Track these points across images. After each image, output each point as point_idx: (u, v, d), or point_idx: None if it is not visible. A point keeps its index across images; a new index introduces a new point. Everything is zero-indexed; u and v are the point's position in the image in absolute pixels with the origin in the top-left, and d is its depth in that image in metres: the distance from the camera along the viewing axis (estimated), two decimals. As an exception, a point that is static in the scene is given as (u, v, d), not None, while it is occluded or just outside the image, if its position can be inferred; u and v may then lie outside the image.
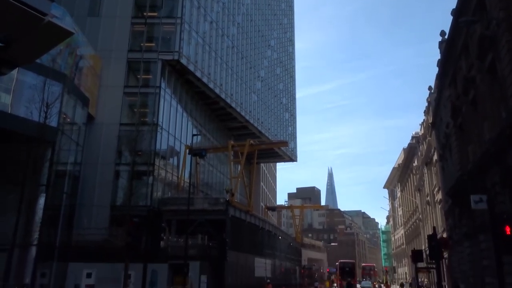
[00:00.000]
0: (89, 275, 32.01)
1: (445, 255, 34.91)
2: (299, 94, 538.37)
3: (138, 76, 42.24)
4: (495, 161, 19.16)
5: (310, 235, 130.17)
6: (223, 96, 51.02)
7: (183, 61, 42.03)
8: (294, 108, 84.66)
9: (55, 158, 30.48)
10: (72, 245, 33.42)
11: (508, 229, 10.38)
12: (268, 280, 33.60)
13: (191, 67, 43.65)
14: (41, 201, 28.85)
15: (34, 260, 28.06)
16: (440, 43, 31.10)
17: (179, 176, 44.43)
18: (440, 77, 32.50)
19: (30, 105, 27.39)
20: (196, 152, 42.08)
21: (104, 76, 40.40)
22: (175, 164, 44.90)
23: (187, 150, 44.24)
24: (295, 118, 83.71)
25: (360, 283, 65.23)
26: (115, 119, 39.23)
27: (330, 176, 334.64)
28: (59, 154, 31.47)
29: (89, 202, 36.54)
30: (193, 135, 44.16)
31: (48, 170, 29.32)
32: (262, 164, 75.45)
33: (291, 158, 75.54)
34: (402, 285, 56.21)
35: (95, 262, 31.96)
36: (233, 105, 53.88)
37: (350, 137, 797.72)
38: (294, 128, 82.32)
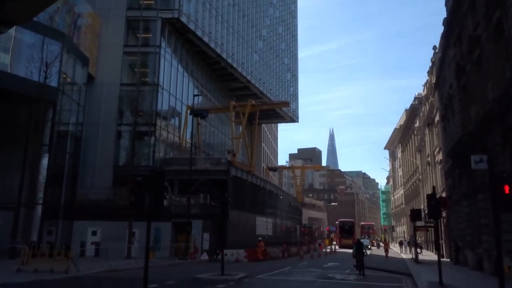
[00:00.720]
0: (94, 233, 32.84)
1: (443, 214, 35.53)
2: (301, 54, 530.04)
3: (138, 35, 41.52)
4: (497, 121, 19.13)
5: (310, 195, 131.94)
6: (224, 55, 50.33)
7: (183, 19, 41.17)
8: (296, 68, 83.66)
9: (57, 118, 30.55)
10: (77, 204, 34.08)
11: (507, 188, 10.51)
12: (260, 238, 34.21)
13: (191, 26, 42.82)
14: (45, 161, 29.19)
15: (40, 218, 28.71)
16: (447, 1, 30.31)
17: (181, 137, 44.58)
18: (445, 36, 31.91)
19: (30, 64, 27.16)
20: (198, 113, 41.96)
21: (103, 35, 39.73)
22: (177, 124, 44.92)
23: (188, 111, 44.13)
24: (297, 78, 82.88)
25: None
26: (116, 79, 38.90)
27: (332, 137, 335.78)
28: (61, 115, 31.49)
29: (92, 162, 36.87)
30: (194, 95, 43.90)
31: (50, 130, 29.45)
32: (263, 125, 75.48)
33: (293, 118, 75.40)
34: (401, 243, 57.58)
35: (100, 221, 32.70)
36: (235, 65, 53.23)
37: (352, 97, 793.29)
38: (296, 88, 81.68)
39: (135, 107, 33.12)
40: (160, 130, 40.04)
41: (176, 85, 43.76)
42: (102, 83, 38.75)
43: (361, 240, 26.60)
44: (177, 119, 45.09)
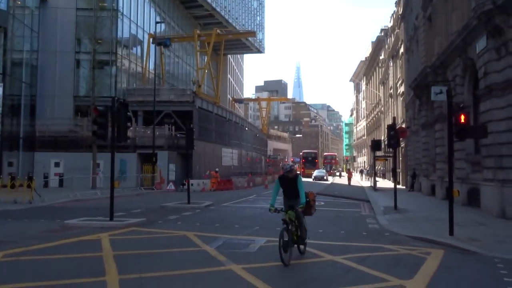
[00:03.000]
0: (57, 164, 32.38)
1: (402, 144, 36.99)
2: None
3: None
4: (458, 54, 19.48)
5: (276, 127, 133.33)
6: (187, -21, 47.74)
7: None
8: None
9: (9, 45, 28.76)
10: (37, 135, 33.18)
11: (463, 117, 10.94)
12: (217, 169, 34.28)
13: None
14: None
15: (-1, 150, 27.93)
16: None
17: (144, 67, 43.17)
18: (414, -35, 31.26)
19: (-27, -16, 24.94)
20: (160, 41, 40.43)
21: (54, -47, 36.52)
22: (139, 54, 43.26)
23: (151, 39, 42.41)
24: (263, 7, 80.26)
25: None
26: (71, 3, 36.40)
27: (298, 69, 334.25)
28: (13, 41, 29.64)
29: (50, 93, 35.44)
30: (156, 22, 42.02)
31: (2, 57, 27.82)
32: (229, 56, 73.88)
33: (259, 49, 73.97)
34: (362, 171, 60.42)
35: (63, 152, 32.16)
36: (198, -10, 50.76)
37: (320, 29, 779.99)
38: (263, 18, 79.32)
39: (94, 34, 31.36)
40: (122, 60, 38.52)
41: (137, 11, 41.58)
42: (56, 7, 36.22)
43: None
44: (139, 48, 43.36)
